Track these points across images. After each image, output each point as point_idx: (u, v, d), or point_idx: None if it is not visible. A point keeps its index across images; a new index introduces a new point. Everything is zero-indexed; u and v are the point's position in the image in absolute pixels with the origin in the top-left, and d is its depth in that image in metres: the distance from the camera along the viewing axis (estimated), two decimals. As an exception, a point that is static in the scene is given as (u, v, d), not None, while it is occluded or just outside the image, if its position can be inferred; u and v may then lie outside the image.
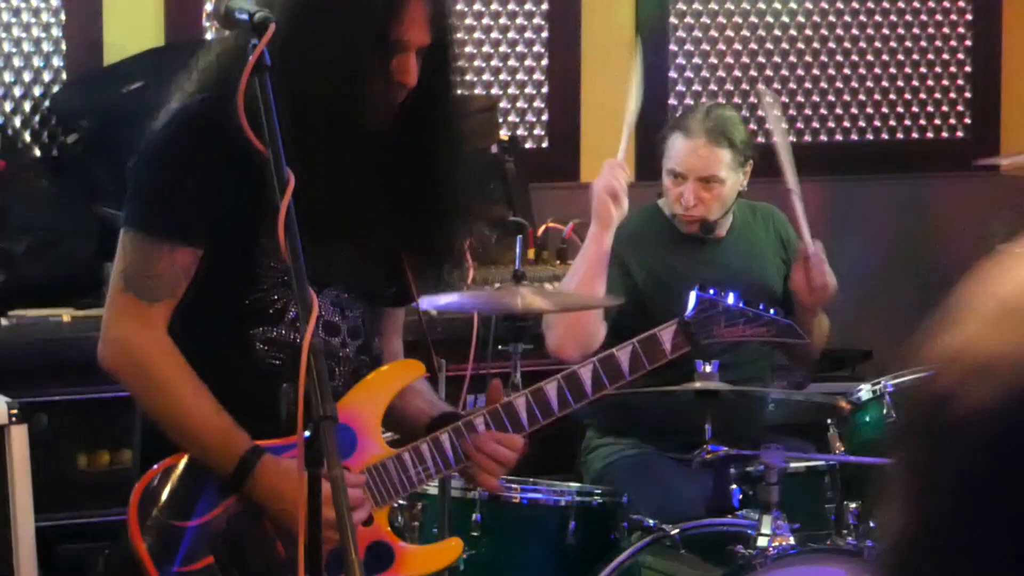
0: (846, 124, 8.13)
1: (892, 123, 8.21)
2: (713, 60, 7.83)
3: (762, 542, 4.78)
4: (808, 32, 7.97)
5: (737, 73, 7.85)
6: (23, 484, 5.04)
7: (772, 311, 4.48)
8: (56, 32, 6.93)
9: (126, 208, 3.81)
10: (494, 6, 7.46)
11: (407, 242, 3.81)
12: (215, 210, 3.65)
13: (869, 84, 8.14)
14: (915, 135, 8.25)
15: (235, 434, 3.61)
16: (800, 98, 7.98)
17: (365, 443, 3.73)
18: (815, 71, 8.03)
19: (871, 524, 5.02)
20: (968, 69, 8.31)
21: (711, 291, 4.35)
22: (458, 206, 4.00)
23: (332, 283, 3.73)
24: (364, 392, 3.76)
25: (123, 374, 3.71)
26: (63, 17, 6.91)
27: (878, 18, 8.11)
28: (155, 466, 3.62)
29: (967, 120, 8.32)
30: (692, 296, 4.30)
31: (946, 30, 8.27)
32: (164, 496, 3.62)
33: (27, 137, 6.81)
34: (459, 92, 4.01)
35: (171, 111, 3.82)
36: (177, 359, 3.62)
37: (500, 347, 5.42)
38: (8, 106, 6.89)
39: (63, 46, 6.94)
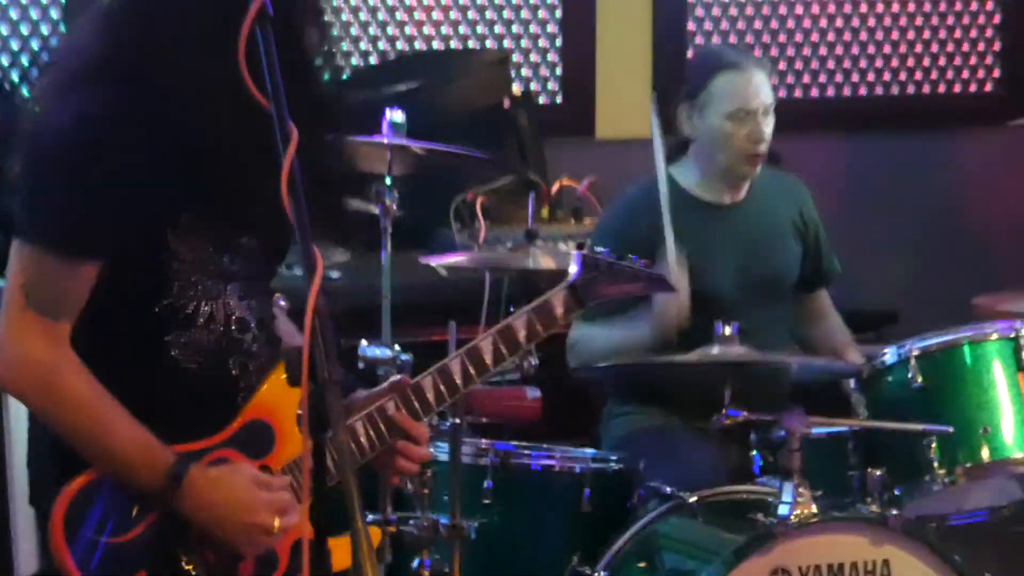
0: (871, 79, 8.10)
1: (919, 77, 8.17)
2: (733, 11, 7.83)
3: (783, 510, 4.78)
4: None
5: (758, 25, 7.86)
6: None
7: (642, 263, 4.33)
8: None
9: (22, 216, 3.56)
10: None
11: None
12: (124, 216, 3.48)
13: (895, 36, 8.10)
14: (942, 89, 8.19)
15: (157, 449, 3.49)
16: (823, 51, 7.98)
17: (284, 438, 3.65)
18: (838, 24, 8.01)
19: (896, 491, 5.07)
20: (997, 19, 8.25)
21: (594, 250, 4.24)
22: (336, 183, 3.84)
23: (235, 278, 3.62)
24: (278, 386, 3.63)
25: (30, 395, 3.57)
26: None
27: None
28: (74, 482, 3.48)
29: (997, 74, 8.25)
30: (574, 258, 4.19)
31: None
32: (89, 512, 3.49)
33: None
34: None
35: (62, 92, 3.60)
36: (88, 377, 3.50)
37: (512, 308, 5.48)
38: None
39: None
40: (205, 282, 3.56)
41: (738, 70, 5.70)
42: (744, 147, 5.64)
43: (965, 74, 8.25)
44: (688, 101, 5.69)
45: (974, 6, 8.21)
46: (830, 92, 7.95)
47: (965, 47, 8.23)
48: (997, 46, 8.28)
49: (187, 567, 3.55)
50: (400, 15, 7.40)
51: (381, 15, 7.35)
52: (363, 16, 7.18)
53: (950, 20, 8.19)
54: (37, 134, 3.62)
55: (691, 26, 7.75)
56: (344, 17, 7.06)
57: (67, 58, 3.68)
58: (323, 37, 3.62)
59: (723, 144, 5.66)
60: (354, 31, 7.10)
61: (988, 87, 8.28)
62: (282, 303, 3.82)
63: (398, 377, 3.91)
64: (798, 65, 7.93)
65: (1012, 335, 5.24)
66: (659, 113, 5.60)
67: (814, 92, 7.82)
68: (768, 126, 5.66)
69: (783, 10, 7.93)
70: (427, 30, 7.39)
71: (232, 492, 3.52)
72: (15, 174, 3.60)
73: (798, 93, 7.87)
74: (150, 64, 3.46)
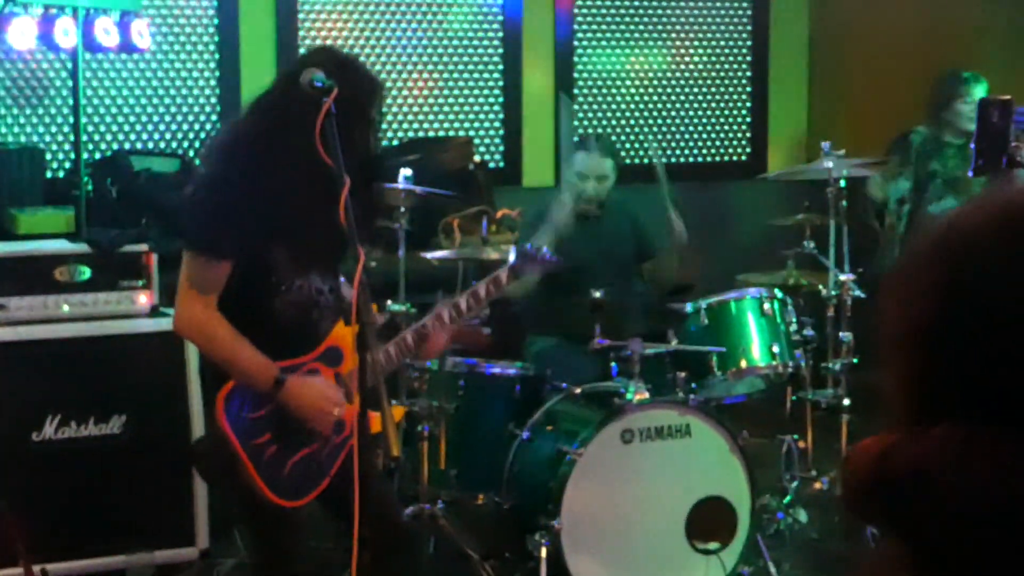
0: (673, 148, 8.06)
1: (696, 146, 8.10)
2: (606, 108, 7.85)
3: (628, 396, 4.80)
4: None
5: (617, 116, 7.85)
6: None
7: (548, 252, 4.36)
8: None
9: (186, 231, 3.57)
10: (469, 93, 7.53)
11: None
12: (245, 235, 3.46)
13: (682, 120, 8.08)
14: (712, 153, 8.15)
15: (269, 365, 3.47)
16: (645, 128, 7.96)
17: (348, 357, 3.58)
18: (646, 109, 8.02)
19: (693, 386, 5.07)
20: (748, 110, 8.23)
21: (524, 244, 4.27)
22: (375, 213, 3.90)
23: (315, 267, 3.58)
24: (342, 327, 3.62)
25: (196, 339, 3.59)
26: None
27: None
28: (227, 384, 3.49)
29: (747, 144, 8.22)
30: (512, 250, 4.21)
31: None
32: (236, 400, 3.49)
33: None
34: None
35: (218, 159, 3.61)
36: (228, 326, 3.46)
37: (474, 282, 5.56)
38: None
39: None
40: (296, 269, 3.53)
41: (586, 151, 5.65)
42: (583, 195, 5.61)
43: (726, 143, 8.18)
44: (568, 166, 5.69)
45: (731, 102, 8.22)
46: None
47: (724, 126, 8.17)
48: (747, 128, 8.21)
49: (294, 431, 3.55)
50: (403, 111, 7.29)
51: (395, 110, 7.23)
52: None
53: (711, 111, 8.18)
54: (199, 180, 3.66)
55: (576, 123, 7.60)
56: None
57: (223, 140, 3.69)
58: (371, 128, 3.60)
59: (575, 191, 5.60)
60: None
61: (741, 153, 8.22)
62: (343, 280, 3.72)
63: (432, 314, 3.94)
64: (631, 137, 7.81)
65: (757, 296, 5.30)
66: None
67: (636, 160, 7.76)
68: (591, 187, 5.61)
69: (630, 107, 7.89)
70: (422, 120, 7.33)
71: (312, 391, 3.54)
72: (184, 204, 3.64)
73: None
74: (264, 148, 3.48)
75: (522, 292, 5.25)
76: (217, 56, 6.86)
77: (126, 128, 6.73)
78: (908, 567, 1.32)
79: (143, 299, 5.14)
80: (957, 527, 1.26)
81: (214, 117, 6.88)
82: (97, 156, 6.43)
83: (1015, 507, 1.22)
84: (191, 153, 6.77)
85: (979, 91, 6.44)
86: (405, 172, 5.18)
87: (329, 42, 7.00)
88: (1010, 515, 1.23)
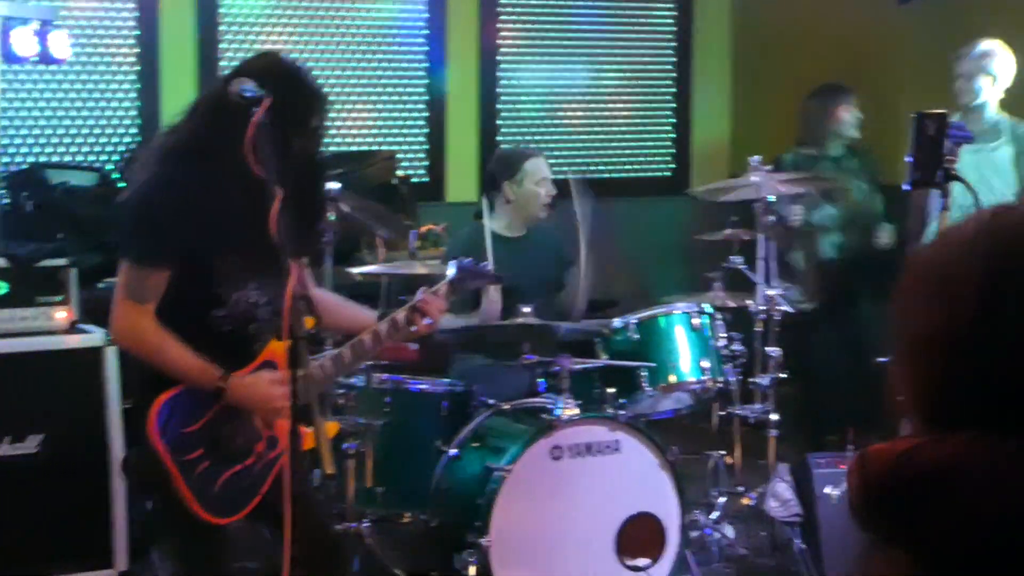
0: (599, 164, 8.06)
1: (623, 162, 8.14)
2: (525, 121, 7.86)
3: (557, 412, 4.78)
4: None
5: (538, 130, 7.87)
6: None
7: (486, 266, 4.36)
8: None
9: (121, 241, 3.60)
10: (393, 107, 7.49)
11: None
12: (180, 245, 3.44)
13: (609, 137, 8.12)
14: (638, 169, 8.19)
15: (210, 368, 3.47)
16: (574, 143, 7.97)
17: (281, 371, 3.52)
18: (583, 127, 8.05)
19: (622, 401, 5.03)
20: (671, 126, 8.27)
21: (463, 260, 4.22)
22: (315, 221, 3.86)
23: (252, 278, 3.53)
24: (277, 341, 3.54)
25: (134, 347, 3.54)
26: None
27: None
28: (162, 395, 3.46)
29: (671, 160, 8.26)
30: (453, 264, 4.18)
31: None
32: (169, 413, 3.46)
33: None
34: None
35: (153, 166, 3.54)
36: (166, 334, 3.45)
37: (400, 297, 5.51)
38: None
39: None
40: (234, 281, 3.51)
41: (537, 156, 5.75)
42: (544, 200, 5.69)
43: (649, 158, 8.22)
44: (509, 178, 5.65)
45: (654, 118, 8.27)
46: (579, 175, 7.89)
47: (648, 141, 8.21)
48: (671, 144, 8.25)
49: (226, 446, 3.54)
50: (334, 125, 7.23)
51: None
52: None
53: (635, 126, 8.20)
54: (130, 193, 3.60)
55: (500, 136, 7.69)
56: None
57: (158, 147, 3.60)
58: (312, 139, 3.56)
59: (535, 200, 5.68)
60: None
61: (666, 170, 8.26)
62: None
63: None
64: (556, 152, 7.80)
65: (687, 311, 5.29)
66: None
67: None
68: (551, 188, 5.67)
69: (554, 123, 7.94)
70: (345, 134, 7.30)
71: (260, 383, 3.53)
72: (119, 212, 3.63)
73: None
74: (198, 158, 3.43)
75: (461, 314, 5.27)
76: (137, 68, 6.77)
77: (43, 141, 6.62)
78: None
79: (61, 315, 5.06)
80: (979, 531, 1.23)
81: (133, 130, 6.79)
82: (13, 169, 6.30)
83: None
84: (109, 166, 6.67)
85: (853, 99, 6.61)
86: (333, 186, 5.10)
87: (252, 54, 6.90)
88: None
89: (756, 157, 5.56)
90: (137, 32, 6.77)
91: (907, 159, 4.02)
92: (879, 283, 6.38)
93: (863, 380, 6.46)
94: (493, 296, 5.34)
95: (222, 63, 6.89)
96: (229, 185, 3.40)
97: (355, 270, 5.38)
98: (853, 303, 6.73)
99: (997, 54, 6.04)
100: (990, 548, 1.23)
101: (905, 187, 4.05)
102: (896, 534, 1.32)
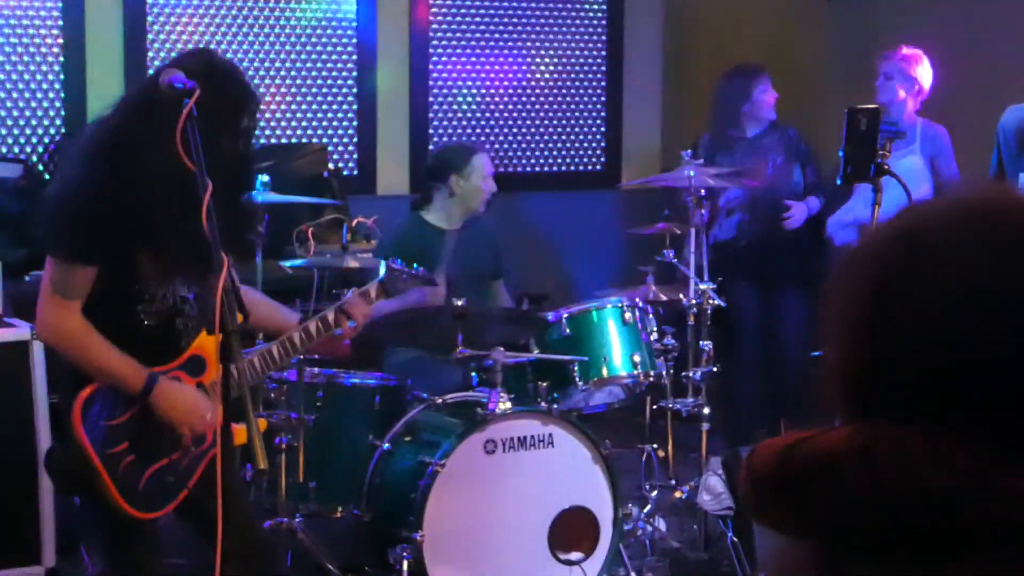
0: (531, 159, 8.05)
1: (555, 157, 8.13)
2: (461, 117, 7.84)
3: (491, 406, 4.76)
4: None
5: (477, 125, 7.86)
6: None
7: (418, 268, 4.38)
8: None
9: (47, 238, 3.56)
10: (323, 100, 7.45)
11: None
12: (107, 241, 3.42)
13: (542, 134, 8.12)
14: (571, 164, 8.18)
15: (137, 368, 3.46)
16: (506, 139, 7.99)
17: (211, 366, 3.59)
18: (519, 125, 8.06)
19: (555, 395, 5.07)
20: (602, 120, 8.29)
21: (395, 261, 4.24)
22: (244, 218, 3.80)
23: (179, 274, 3.53)
24: (206, 335, 3.60)
25: (59, 344, 3.50)
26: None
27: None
28: (85, 389, 3.45)
29: (602, 155, 8.27)
30: (383, 264, 4.18)
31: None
32: (93, 406, 3.45)
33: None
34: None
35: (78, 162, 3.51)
36: (92, 330, 3.43)
37: (333, 291, 5.47)
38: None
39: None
40: (161, 276, 3.50)
41: (482, 153, 5.75)
42: (487, 196, 5.69)
43: (580, 152, 8.21)
44: (457, 172, 5.63)
45: (586, 112, 8.27)
46: (511, 168, 7.91)
47: (579, 135, 8.19)
48: (602, 138, 8.25)
49: (152, 441, 3.51)
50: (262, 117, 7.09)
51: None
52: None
53: (566, 120, 8.22)
54: (57, 187, 3.58)
55: (431, 129, 7.69)
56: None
57: (86, 140, 3.58)
58: (242, 137, 3.53)
59: (479, 195, 5.68)
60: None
61: (597, 164, 8.25)
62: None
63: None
64: (488, 147, 7.76)
65: (619, 305, 5.29)
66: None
67: (501, 168, 7.85)
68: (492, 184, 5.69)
69: (485, 117, 7.96)
70: (275, 127, 7.26)
71: (185, 394, 3.54)
72: (45, 207, 3.57)
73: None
74: (127, 152, 3.40)
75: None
76: (62, 59, 6.68)
77: (-35, 133, 6.52)
78: (811, 567, 1.32)
79: (-15, 309, 4.98)
80: (863, 518, 1.27)
81: (58, 121, 6.71)
82: (-65, 161, 6.21)
83: (917, 498, 1.24)
84: (34, 159, 6.59)
85: (768, 79, 6.54)
86: (263, 179, 5.13)
87: (180, 47, 6.85)
88: (912, 507, 1.25)
89: (688, 152, 5.58)
90: (62, 23, 6.68)
91: (839, 153, 4.04)
92: (791, 267, 6.45)
93: (782, 370, 6.49)
94: (437, 288, 5.31)
95: (150, 54, 6.83)
96: (158, 179, 3.36)
97: (286, 264, 5.35)
98: (766, 288, 6.58)
99: (918, 62, 6.14)
100: (872, 529, 1.26)
101: (838, 182, 4.08)
102: (786, 525, 1.35)
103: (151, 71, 6.58)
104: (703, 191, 5.47)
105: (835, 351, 1.34)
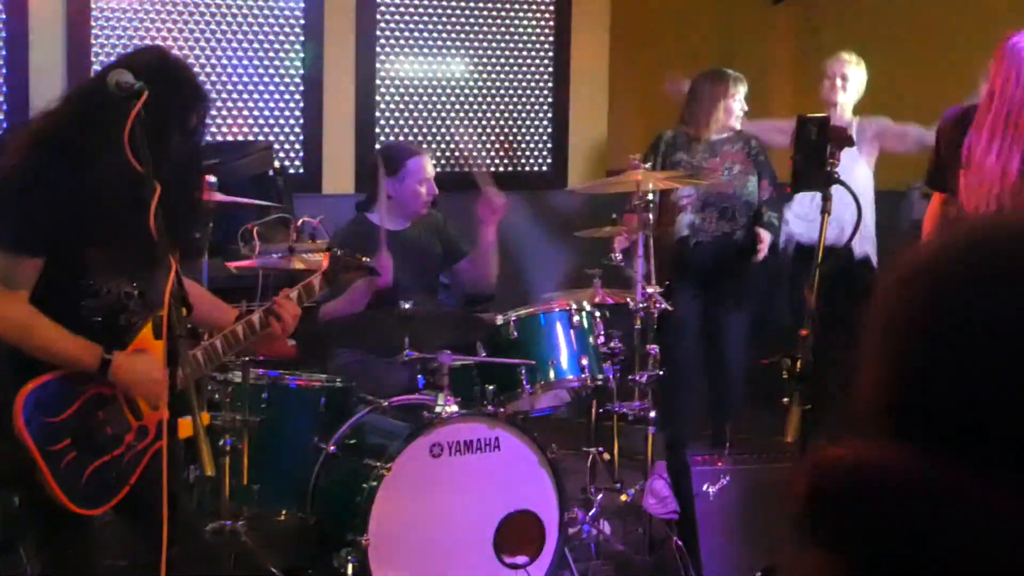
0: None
1: (499, 155, 8.16)
2: (410, 119, 7.85)
3: (437, 409, 4.75)
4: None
5: (425, 123, 7.88)
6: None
7: (367, 259, 4.37)
8: None
9: None
10: (269, 98, 7.41)
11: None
12: (52, 234, 3.43)
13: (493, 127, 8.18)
14: (519, 164, 8.19)
15: (91, 346, 3.45)
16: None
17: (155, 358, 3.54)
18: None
19: (501, 398, 5.08)
20: (549, 121, 8.32)
21: (337, 253, 4.23)
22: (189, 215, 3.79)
23: (125, 271, 3.54)
24: (149, 333, 3.58)
25: (8, 333, 3.47)
26: None
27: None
28: (28, 384, 3.43)
29: (548, 156, 8.27)
30: (328, 256, 4.19)
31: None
32: (36, 403, 3.44)
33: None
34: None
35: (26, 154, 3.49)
36: (39, 315, 3.42)
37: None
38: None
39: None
40: (107, 272, 3.50)
41: (421, 155, 5.73)
42: (425, 199, 5.68)
43: (526, 152, 8.19)
44: (391, 175, 5.62)
45: (532, 112, 8.29)
46: (458, 168, 7.79)
47: (525, 135, 8.18)
48: (548, 138, 8.24)
49: (94, 437, 3.52)
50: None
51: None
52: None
53: (512, 120, 8.26)
54: (5, 172, 3.53)
55: (377, 129, 7.64)
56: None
57: (31, 132, 3.56)
58: (191, 137, 3.55)
59: (415, 198, 5.67)
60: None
61: (543, 164, 8.24)
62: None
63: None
64: (434, 146, 7.79)
65: (566, 309, 5.30)
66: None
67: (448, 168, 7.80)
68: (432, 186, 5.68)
69: (428, 110, 7.96)
70: (220, 124, 7.19)
71: (142, 363, 3.51)
72: None
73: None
74: (75, 146, 3.40)
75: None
76: (4, 53, 6.60)
77: (-96, 125, 6.42)
78: None
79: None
80: (898, 545, 1.19)
81: (0, 115, 6.59)
82: None
83: (950, 533, 1.16)
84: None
85: (744, 90, 6.53)
86: (209, 178, 5.08)
87: (124, 43, 6.78)
88: (944, 541, 1.17)
89: (636, 156, 5.58)
90: (3, 16, 6.59)
91: (791, 161, 4.04)
92: (735, 276, 6.45)
93: (724, 376, 6.51)
94: (359, 284, 5.29)
95: (93, 48, 6.75)
96: (106, 176, 3.38)
97: (231, 264, 5.31)
98: (708, 293, 6.56)
99: (856, 64, 6.37)
100: (936, 564, 1.19)
101: (788, 190, 4.09)
102: (834, 542, 1.27)
103: (96, 66, 6.56)
104: (650, 195, 5.48)
105: (877, 371, 1.27)
